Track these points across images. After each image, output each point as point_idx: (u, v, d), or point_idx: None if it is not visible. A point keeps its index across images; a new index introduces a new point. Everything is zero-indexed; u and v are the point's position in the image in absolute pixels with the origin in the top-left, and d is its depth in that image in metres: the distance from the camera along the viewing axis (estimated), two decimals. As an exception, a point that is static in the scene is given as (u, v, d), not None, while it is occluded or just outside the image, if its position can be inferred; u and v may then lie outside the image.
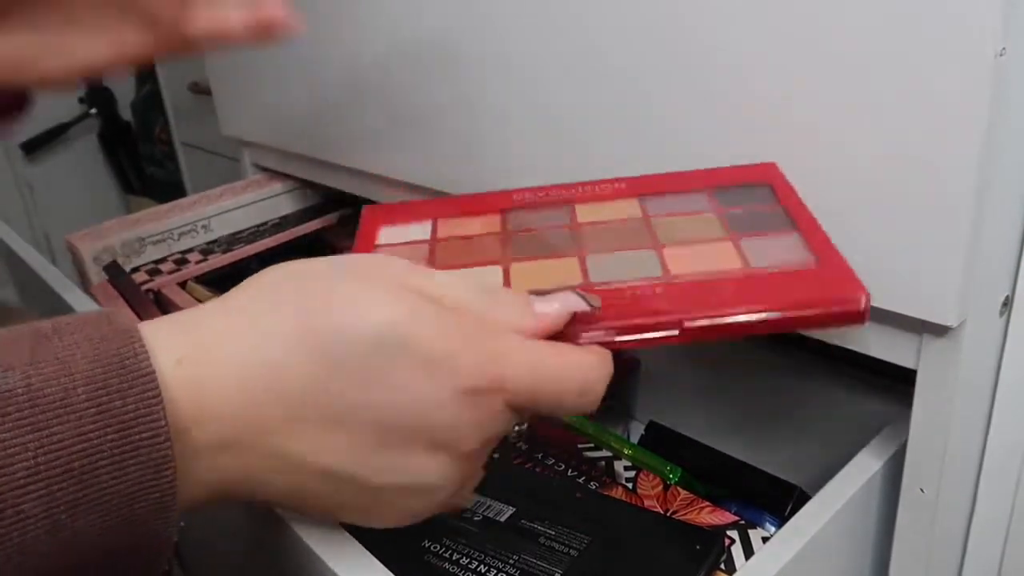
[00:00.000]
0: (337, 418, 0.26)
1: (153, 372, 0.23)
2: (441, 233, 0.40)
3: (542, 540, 0.43)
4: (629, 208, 0.39)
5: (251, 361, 0.26)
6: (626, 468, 0.53)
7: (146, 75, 1.79)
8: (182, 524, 0.25)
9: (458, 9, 0.51)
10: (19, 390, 0.22)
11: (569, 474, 0.53)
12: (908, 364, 0.38)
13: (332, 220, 0.80)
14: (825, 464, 0.56)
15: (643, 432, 0.64)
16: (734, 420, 0.64)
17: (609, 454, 0.55)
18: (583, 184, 0.42)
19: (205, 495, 0.26)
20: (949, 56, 0.31)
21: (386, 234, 0.41)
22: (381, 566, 0.36)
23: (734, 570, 0.43)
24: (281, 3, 0.34)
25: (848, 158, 0.35)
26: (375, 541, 0.37)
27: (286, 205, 0.84)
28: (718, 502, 0.49)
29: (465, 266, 0.37)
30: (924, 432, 0.39)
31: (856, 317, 0.30)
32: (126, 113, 2.02)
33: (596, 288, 0.32)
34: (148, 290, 0.70)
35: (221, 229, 0.80)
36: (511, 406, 0.28)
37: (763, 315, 0.30)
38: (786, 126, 0.37)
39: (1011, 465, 0.43)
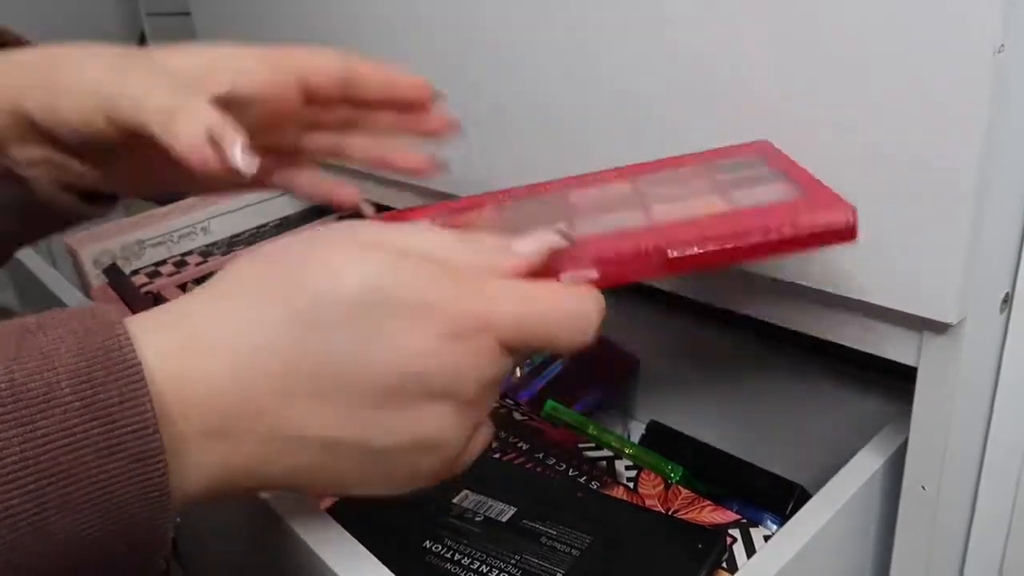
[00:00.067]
0: (329, 386, 0.26)
1: (138, 363, 0.23)
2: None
3: (544, 540, 0.43)
4: (621, 186, 0.38)
5: (236, 345, 0.25)
6: (627, 467, 0.53)
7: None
8: (178, 520, 0.25)
9: (458, 11, 0.51)
10: (2, 385, 0.21)
11: (570, 474, 0.53)
12: (908, 362, 0.38)
13: (332, 222, 0.80)
14: (826, 462, 0.56)
15: (644, 432, 0.64)
16: (735, 419, 0.64)
17: (610, 454, 0.55)
18: (579, 176, 0.41)
19: (204, 488, 0.26)
20: (948, 53, 0.31)
21: None
22: (381, 566, 0.36)
23: (736, 569, 0.43)
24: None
25: (848, 156, 0.35)
26: (376, 541, 0.37)
27: (286, 207, 0.84)
28: (719, 501, 0.49)
29: None
30: (925, 430, 0.39)
31: (845, 231, 0.29)
32: (125, 115, 2.02)
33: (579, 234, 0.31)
34: (148, 292, 0.70)
35: (221, 231, 0.80)
36: (504, 345, 0.27)
37: (750, 238, 0.29)
38: (786, 125, 0.37)
39: (1012, 462, 0.43)
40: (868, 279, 0.37)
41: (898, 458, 0.43)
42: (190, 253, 0.77)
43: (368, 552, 0.37)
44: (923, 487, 0.40)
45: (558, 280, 0.29)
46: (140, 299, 0.68)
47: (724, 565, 0.43)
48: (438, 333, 0.26)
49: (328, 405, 0.26)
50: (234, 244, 0.79)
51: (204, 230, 0.79)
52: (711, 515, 0.48)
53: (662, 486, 0.51)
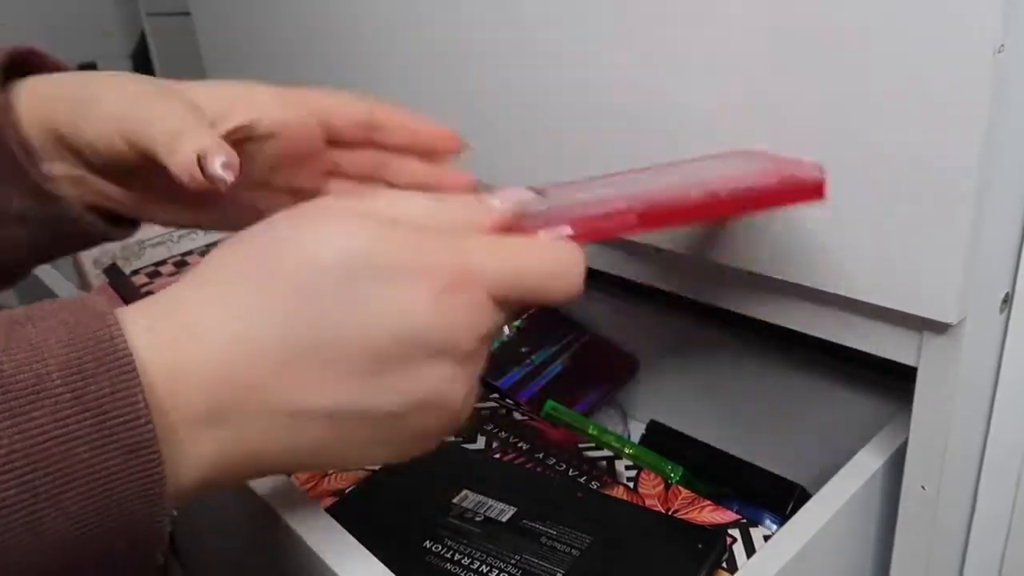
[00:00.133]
0: (326, 355, 0.25)
1: (129, 354, 0.23)
2: None
3: (544, 540, 0.43)
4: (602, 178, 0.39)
5: (226, 327, 0.25)
6: (627, 467, 0.53)
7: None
8: (175, 513, 0.25)
9: (458, 11, 0.51)
10: None
11: (570, 474, 0.53)
12: (908, 362, 0.38)
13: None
14: (826, 462, 0.56)
15: (644, 431, 0.64)
16: (735, 419, 0.64)
17: (610, 454, 0.55)
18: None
19: (202, 478, 0.25)
20: (948, 53, 0.31)
21: None
22: (381, 566, 0.36)
23: (736, 569, 0.43)
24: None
25: (848, 156, 0.35)
26: (376, 541, 0.37)
27: (286, 206, 0.83)
28: (719, 501, 0.49)
29: None
30: (925, 430, 0.39)
31: (812, 184, 0.30)
32: (125, 115, 2.02)
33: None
34: (148, 292, 0.70)
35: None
36: (493, 297, 0.27)
37: (721, 190, 0.30)
38: (785, 124, 0.37)
39: (1012, 462, 0.43)
40: (868, 279, 0.37)
41: (898, 458, 0.43)
42: (190, 253, 0.77)
43: (368, 552, 0.37)
44: (923, 487, 0.40)
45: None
46: (140, 299, 0.68)
47: (724, 565, 0.43)
48: (428, 290, 0.26)
49: (327, 375, 0.25)
50: (234, 244, 0.79)
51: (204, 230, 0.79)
52: (711, 515, 0.48)
53: (662, 486, 0.51)
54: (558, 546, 0.42)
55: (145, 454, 0.22)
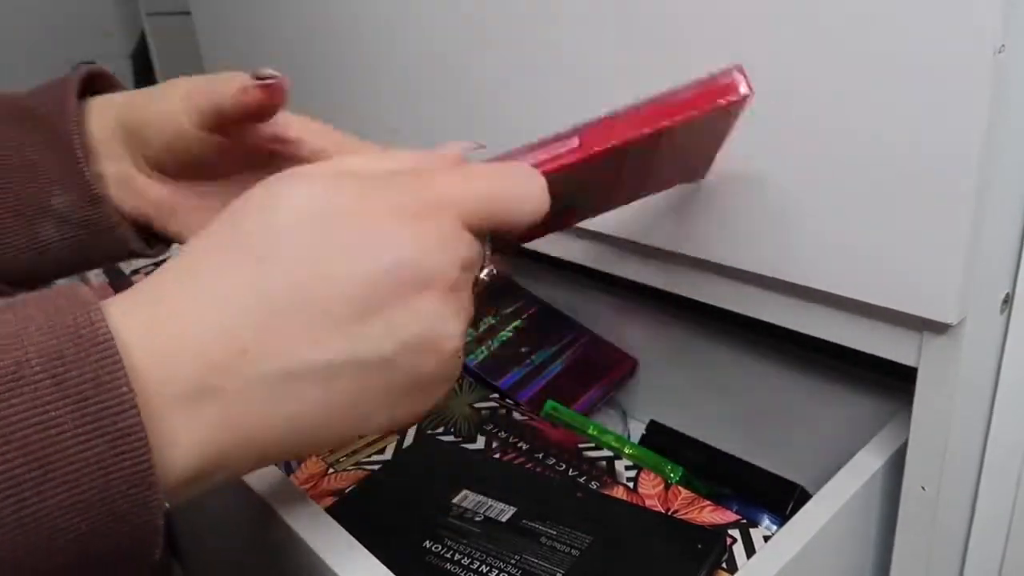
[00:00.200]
0: (306, 310, 0.25)
1: (112, 339, 0.22)
2: None
3: (543, 540, 0.43)
4: None
5: (204, 297, 0.24)
6: (627, 467, 0.53)
7: (146, 76, 1.79)
8: (167, 506, 0.24)
9: (458, 11, 0.51)
10: None
11: (570, 474, 0.53)
12: (909, 362, 0.38)
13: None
14: (826, 462, 0.56)
15: (644, 431, 0.64)
16: (735, 419, 0.64)
17: (610, 454, 0.55)
18: None
19: (196, 465, 0.24)
20: (949, 53, 0.31)
21: None
22: (381, 566, 0.36)
23: (736, 569, 0.43)
24: None
25: (848, 156, 0.35)
26: (376, 541, 0.37)
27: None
28: (719, 501, 0.49)
29: None
30: (925, 430, 0.39)
31: (730, 84, 0.32)
32: (125, 115, 2.02)
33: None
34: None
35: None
36: (465, 224, 0.27)
37: (644, 101, 0.31)
38: (785, 123, 0.37)
39: (1012, 462, 0.43)
40: (868, 279, 0.37)
41: (898, 458, 0.43)
42: (190, 253, 0.77)
43: (368, 552, 0.37)
44: (923, 487, 0.40)
45: None
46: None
47: (724, 565, 0.43)
48: (397, 222, 0.26)
49: (312, 329, 0.25)
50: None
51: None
52: (711, 515, 0.48)
53: (662, 486, 0.51)
54: (558, 546, 0.42)
55: (131, 441, 0.22)
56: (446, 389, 0.29)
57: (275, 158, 0.40)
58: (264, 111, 0.38)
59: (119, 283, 0.70)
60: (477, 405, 0.60)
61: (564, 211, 0.35)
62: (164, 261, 0.28)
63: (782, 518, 0.53)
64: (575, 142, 0.31)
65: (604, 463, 0.54)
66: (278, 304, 0.25)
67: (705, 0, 0.38)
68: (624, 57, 0.43)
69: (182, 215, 0.42)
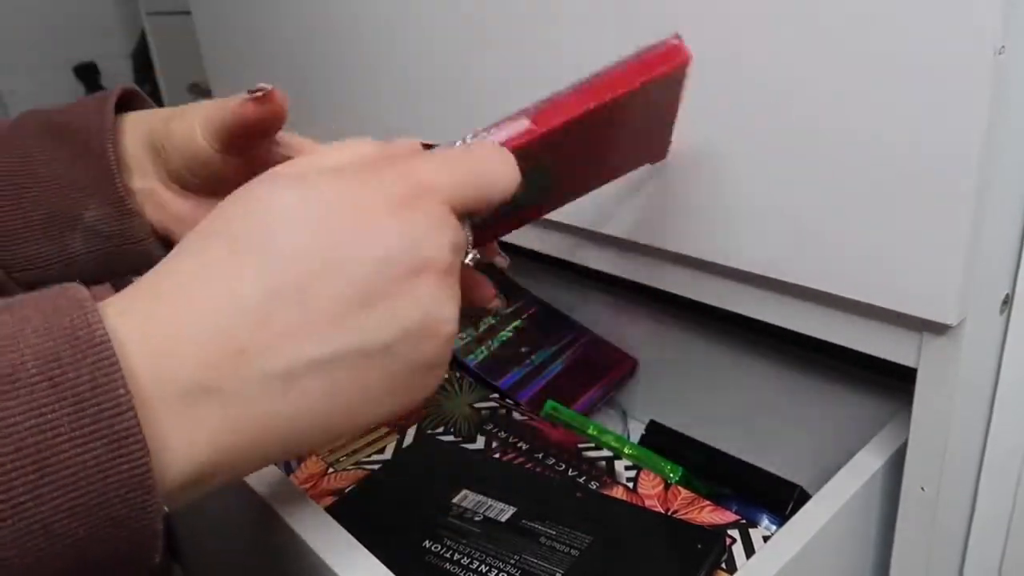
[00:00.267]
0: (305, 305, 0.25)
1: (108, 341, 0.22)
2: None
3: (543, 540, 0.43)
4: None
5: (202, 298, 0.24)
6: (627, 467, 0.53)
7: (146, 76, 1.79)
8: (166, 509, 0.23)
9: (458, 11, 0.51)
10: None
11: (570, 474, 0.53)
12: (908, 363, 0.38)
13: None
14: (826, 463, 0.56)
15: (643, 431, 0.64)
16: (735, 419, 0.64)
17: (610, 454, 0.55)
18: None
19: (196, 468, 0.24)
20: (949, 54, 0.31)
21: None
22: (381, 566, 0.36)
23: (735, 569, 0.43)
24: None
25: (848, 156, 0.35)
26: (375, 541, 0.37)
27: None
28: (719, 501, 0.50)
29: None
30: (924, 430, 0.39)
31: (670, 50, 0.33)
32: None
33: None
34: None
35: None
36: (451, 206, 0.28)
37: (590, 76, 0.32)
38: (785, 124, 0.37)
39: (1012, 463, 0.43)
40: (868, 280, 0.37)
41: (898, 459, 0.43)
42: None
43: (368, 552, 0.37)
44: (923, 488, 0.40)
45: None
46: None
47: (723, 566, 0.43)
48: (386, 210, 0.26)
49: (312, 323, 0.25)
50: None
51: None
52: (710, 515, 0.48)
53: (661, 486, 0.51)
54: (557, 546, 0.42)
55: (129, 443, 0.21)
56: (442, 374, 0.29)
57: None
58: (266, 124, 0.38)
59: (120, 283, 0.70)
60: (477, 405, 0.60)
61: (538, 197, 0.36)
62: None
63: (782, 518, 0.53)
64: (526, 123, 0.31)
65: (604, 463, 0.54)
66: (276, 301, 0.24)
67: (705, 0, 0.38)
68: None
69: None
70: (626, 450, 0.56)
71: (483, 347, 0.69)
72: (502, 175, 0.29)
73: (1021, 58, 0.31)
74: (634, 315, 0.70)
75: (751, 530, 0.46)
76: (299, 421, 0.26)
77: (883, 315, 0.38)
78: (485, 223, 0.34)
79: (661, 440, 0.62)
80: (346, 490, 0.50)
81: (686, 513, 0.48)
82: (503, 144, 0.31)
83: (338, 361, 0.25)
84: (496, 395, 0.62)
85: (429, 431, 0.56)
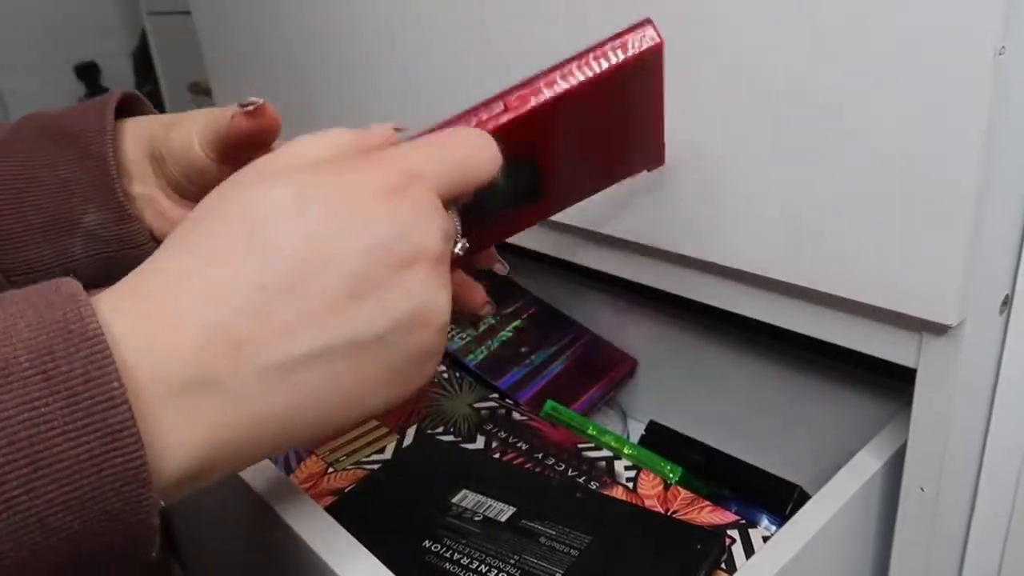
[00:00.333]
0: (300, 297, 0.25)
1: (102, 334, 0.22)
2: None
3: (543, 540, 0.43)
4: None
5: (196, 292, 0.24)
6: (626, 468, 0.53)
7: (146, 75, 1.79)
8: (162, 504, 0.23)
9: (458, 11, 0.51)
10: None
11: (569, 474, 0.53)
12: (908, 363, 0.38)
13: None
14: (825, 463, 0.56)
15: (643, 432, 0.64)
16: (735, 419, 0.64)
17: (609, 454, 0.55)
18: None
19: (192, 462, 0.24)
20: (949, 55, 0.31)
21: None
22: (381, 565, 0.36)
23: (735, 569, 0.43)
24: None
25: (848, 156, 0.35)
26: (375, 540, 0.37)
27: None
28: (718, 501, 0.49)
29: None
30: (924, 431, 0.39)
31: (643, 38, 0.33)
32: (126, 114, 2.02)
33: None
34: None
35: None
36: (438, 193, 0.28)
37: (568, 64, 0.32)
38: (785, 124, 0.37)
39: (1011, 464, 0.43)
40: (868, 280, 0.37)
41: (897, 459, 0.43)
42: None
43: (367, 551, 0.37)
44: (922, 488, 0.40)
45: None
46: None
47: (723, 566, 0.43)
48: (375, 200, 0.26)
49: (308, 314, 0.25)
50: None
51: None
52: (710, 516, 0.48)
53: (661, 486, 0.51)
54: (557, 546, 0.42)
55: (123, 437, 0.21)
56: (436, 364, 0.29)
57: None
58: (260, 137, 0.38)
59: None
60: (477, 405, 0.60)
61: (528, 195, 0.36)
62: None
63: (781, 519, 0.53)
64: (500, 107, 0.32)
65: (603, 463, 0.54)
66: (270, 295, 0.25)
67: (704, 1, 0.38)
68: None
69: None
70: (626, 450, 0.56)
71: (483, 347, 0.69)
72: (483, 157, 0.30)
73: (1021, 59, 0.31)
74: (634, 315, 0.70)
75: (751, 530, 0.46)
76: (296, 413, 0.26)
77: (883, 316, 0.38)
78: (482, 223, 0.34)
79: (661, 440, 0.62)
80: (346, 490, 0.50)
81: (686, 513, 0.48)
82: (473, 115, 0.31)
83: (333, 353, 0.26)
84: (496, 395, 0.62)
85: (429, 431, 0.56)
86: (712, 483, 0.57)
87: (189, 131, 0.40)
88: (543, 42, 0.47)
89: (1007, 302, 0.38)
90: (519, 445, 0.55)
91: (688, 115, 0.41)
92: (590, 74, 0.32)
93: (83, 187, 0.40)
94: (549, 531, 0.43)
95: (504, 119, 0.31)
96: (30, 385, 0.21)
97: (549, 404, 0.62)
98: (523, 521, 0.44)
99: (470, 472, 0.50)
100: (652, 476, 0.52)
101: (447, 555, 0.42)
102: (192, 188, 0.41)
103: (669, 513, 0.49)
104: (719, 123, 0.40)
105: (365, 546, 0.37)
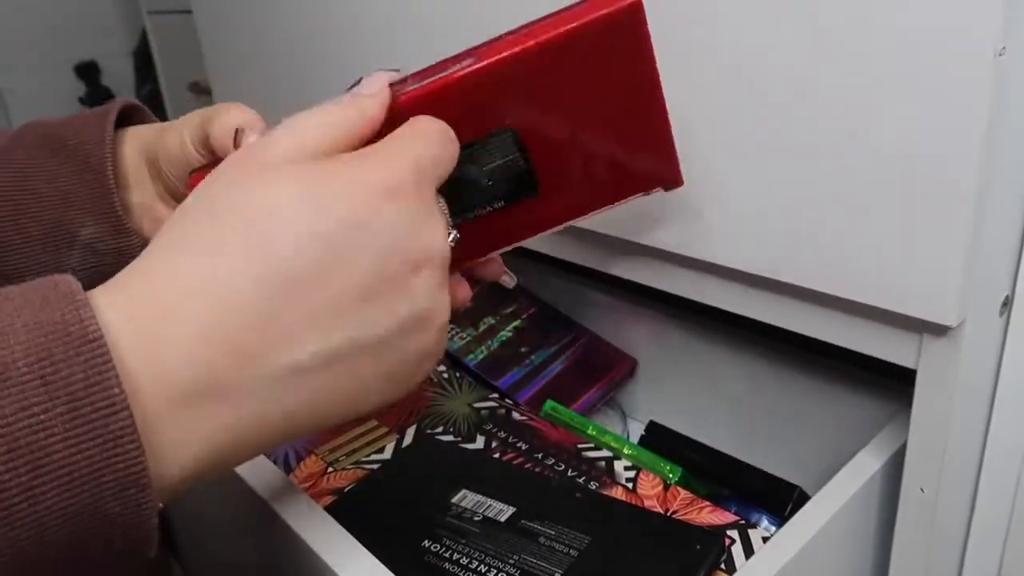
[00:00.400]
0: (308, 302, 0.24)
1: (102, 337, 0.21)
2: None
3: (542, 540, 0.43)
4: None
5: (204, 297, 0.24)
6: (626, 468, 0.53)
7: (146, 75, 1.79)
8: (161, 506, 0.23)
9: (458, 12, 0.51)
10: None
11: (569, 474, 0.53)
12: (908, 364, 0.38)
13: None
14: (825, 464, 0.56)
15: (643, 432, 0.64)
16: (734, 419, 0.64)
17: (609, 454, 0.55)
18: None
19: (193, 465, 0.24)
20: (950, 55, 0.31)
21: None
22: (380, 565, 0.36)
23: (734, 570, 0.43)
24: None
25: (848, 157, 0.35)
26: (374, 540, 0.37)
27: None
28: (718, 502, 0.49)
29: None
30: (924, 432, 0.39)
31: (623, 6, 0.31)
32: (126, 113, 2.02)
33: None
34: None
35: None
36: (435, 186, 0.28)
37: (543, 24, 0.32)
38: (785, 124, 0.37)
39: (1011, 465, 0.43)
40: (868, 281, 0.37)
41: (897, 460, 0.43)
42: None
43: (367, 551, 0.37)
44: (922, 489, 0.40)
45: (396, 99, 0.31)
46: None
47: (722, 566, 0.43)
48: (384, 199, 0.26)
49: (318, 318, 0.25)
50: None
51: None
52: (709, 516, 0.48)
53: (661, 487, 0.51)
54: (556, 546, 0.42)
55: (124, 443, 0.21)
56: (435, 363, 0.29)
57: None
58: None
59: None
60: (477, 405, 0.60)
61: (518, 183, 0.35)
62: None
63: (781, 519, 0.53)
64: (470, 60, 0.31)
65: (603, 463, 0.54)
66: (280, 296, 0.24)
67: (704, 1, 0.38)
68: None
69: None
70: (625, 450, 0.56)
71: (483, 347, 0.69)
72: (450, 148, 0.30)
73: (1021, 59, 0.31)
74: (634, 315, 0.70)
75: (750, 531, 0.46)
76: (299, 414, 0.26)
77: (883, 316, 0.38)
78: (475, 216, 0.33)
79: (660, 440, 0.62)
80: (345, 489, 0.49)
81: (685, 514, 0.48)
82: (447, 83, 0.31)
83: (336, 355, 0.25)
84: (496, 395, 0.62)
85: (428, 431, 0.56)
86: (712, 483, 0.57)
87: (181, 131, 0.39)
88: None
89: (1007, 303, 0.38)
90: (519, 445, 0.55)
91: (688, 115, 0.41)
92: (558, 31, 0.31)
93: (81, 200, 0.40)
94: (548, 531, 0.43)
95: (470, 70, 0.31)
96: (28, 390, 0.20)
97: (549, 404, 0.62)
98: (523, 521, 0.44)
99: (470, 472, 0.50)
100: (652, 476, 0.52)
101: (446, 555, 0.42)
102: (187, 192, 0.41)
103: (669, 513, 0.49)
104: (719, 123, 0.40)
105: (364, 546, 0.37)
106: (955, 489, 0.42)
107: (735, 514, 0.48)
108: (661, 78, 0.34)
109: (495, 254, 0.37)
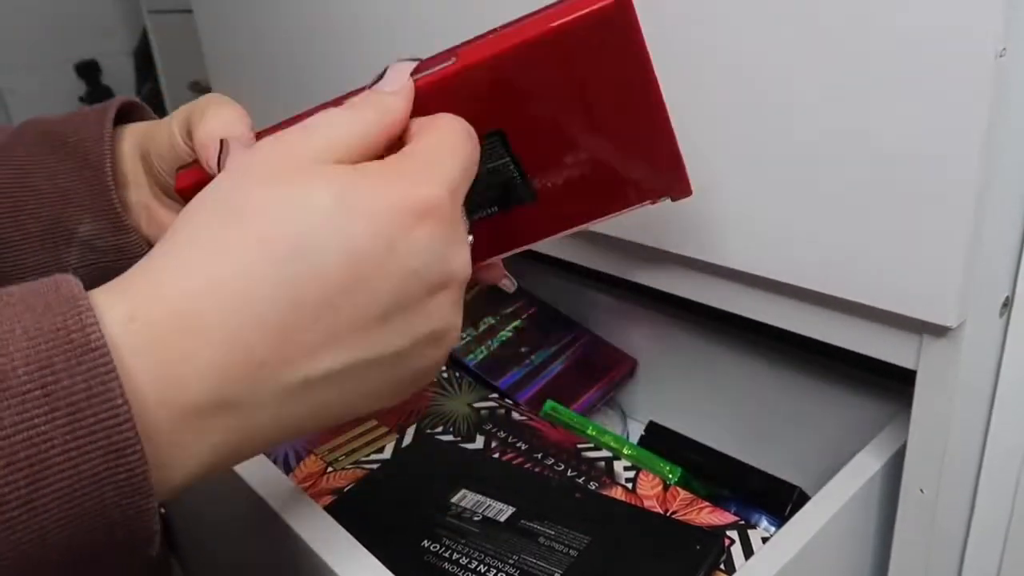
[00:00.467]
0: (325, 319, 0.24)
1: (104, 346, 0.20)
2: None
3: (542, 540, 0.43)
4: None
5: (216, 301, 0.23)
6: (626, 468, 0.53)
7: (147, 74, 1.79)
8: (163, 511, 0.23)
9: (458, 12, 0.51)
10: None
11: (569, 474, 0.53)
12: (908, 364, 0.38)
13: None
14: (825, 464, 0.56)
15: (643, 432, 0.64)
16: (734, 420, 0.64)
17: (609, 454, 0.55)
18: None
19: (197, 472, 0.23)
20: (950, 56, 0.31)
21: None
22: (380, 565, 0.36)
23: (734, 570, 0.43)
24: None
25: (848, 158, 0.35)
26: (374, 540, 0.37)
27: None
28: (718, 502, 0.49)
29: None
30: (924, 432, 0.39)
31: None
32: (126, 112, 2.02)
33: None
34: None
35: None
36: (459, 199, 0.27)
37: (525, 22, 0.31)
38: (785, 124, 0.37)
39: (1011, 465, 0.43)
40: (868, 281, 0.37)
41: (897, 460, 0.43)
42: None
43: (366, 551, 0.37)
44: (922, 490, 0.40)
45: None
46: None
47: (722, 567, 0.43)
48: (415, 218, 0.25)
49: (336, 335, 0.24)
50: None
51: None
52: (709, 516, 0.48)
53: (660, 487, 0.51)
54: (556, 546, 0.42)
55: (127, 455, 0.20)
56: (437, 373, 0.29)
57: None
58: None
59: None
60: (476, 405, 0.60)
61: (511, 183, 0.34)
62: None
63: (780, 519, 0.53)
64: (452, 58, 0.31)
65: (603, 463, 0.54)
66: (298, 314, 0.23)
67: (704, 1, 0.38)
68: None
69: None
70: (625, 451, 0.56)
71: (483, 347, 0.69)
72: (469, 138, 0.29)
73: (1022, 60, 0.31)
74: (634, 315, 0.70)
75: (750, 531, 0.46)
76: (305, 421, 0.26)
77: (883, 317, 0.38)
78: (471, 221, 0.33)
79: (660, 441, 0.62)
80: (345, 489, 0.49)
81: (685, 514, 0.48)
82: (431, 80, 0.30)
83: (351, 371, 0.25)
84: (496, 395, 0.62)
85: (428, 431, 0.56)
86: (711, 484, 0.57)
87: (170, 126, 0.39)
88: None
89: (1007, 304, 0.38)
90: (518, 445, 0.55)
91: (688, 115, 0.41)
92: (540, 29, 0.30)
93: (80, 197, 0.40)
94: (548, 531, 0.43)
95: (452, 70, 0.30)
96: (29, 401, 0.20)
97: (549, 404, 0.62)
98: (522, 521, 0.44)
99: (469, 472, 0.50)
100: (651, 476, 0.52)
101: (446, 555, 0.42)
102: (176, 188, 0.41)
103: (668, 514, 0.49)
104: (719, 123, 0.40)
105: (364, 546, 0.37)
106: (955, 489, 0.42)
107: (735, 514, 0.48)
108: (659, 80, 0.33)
109: (496, 259, 0.37)
